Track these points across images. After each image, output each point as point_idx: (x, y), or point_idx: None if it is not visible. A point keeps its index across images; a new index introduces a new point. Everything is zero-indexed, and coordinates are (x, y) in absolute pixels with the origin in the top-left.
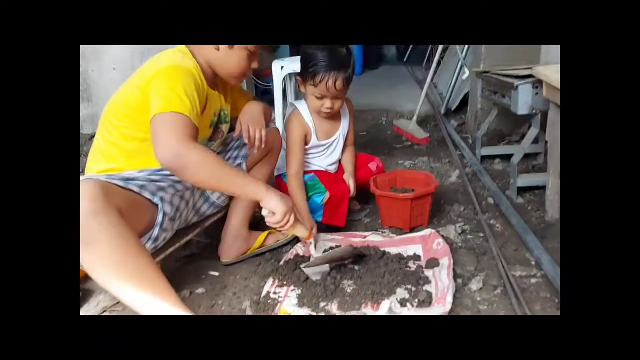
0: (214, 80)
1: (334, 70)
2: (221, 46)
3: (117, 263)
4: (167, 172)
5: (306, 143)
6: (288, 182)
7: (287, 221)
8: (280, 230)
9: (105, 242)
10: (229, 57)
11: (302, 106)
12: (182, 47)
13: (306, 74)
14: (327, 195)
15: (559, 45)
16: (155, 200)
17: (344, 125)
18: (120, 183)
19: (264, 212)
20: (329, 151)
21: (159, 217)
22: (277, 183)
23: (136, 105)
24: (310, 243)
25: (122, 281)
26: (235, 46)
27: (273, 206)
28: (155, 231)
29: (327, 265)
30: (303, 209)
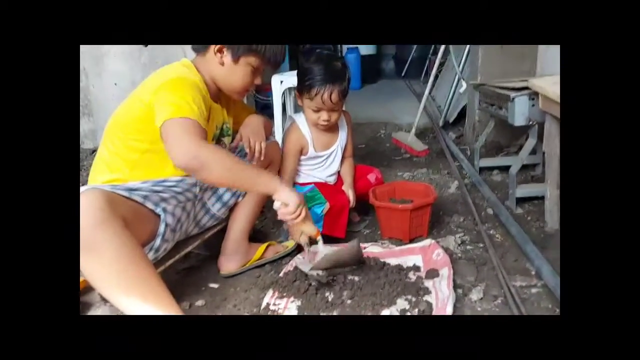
0: (217, 94)
1: (329, 84)
2: (225, 62)
3: (120, 272)
4: (170, 184)
5: (304, 154)
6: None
7: (299, 214)
8: (292, 224)
9: (109, 251)
10: (232, 73)
11: (300, 118)
12: (186, 61)
13: (303, 88)
14: (327, 206)
15: (554, 58)
16: (158, 210)
17: (342, 137)
18: (125, 193)
19: (276, 205)
20: (327, 163)
21: (161, 228)
22: None
23: (142, 117)
24: (319, 240)
25: (124, 291)
26: (240, 62)
27: (286, 198)
28: (157, 241)
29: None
30: None
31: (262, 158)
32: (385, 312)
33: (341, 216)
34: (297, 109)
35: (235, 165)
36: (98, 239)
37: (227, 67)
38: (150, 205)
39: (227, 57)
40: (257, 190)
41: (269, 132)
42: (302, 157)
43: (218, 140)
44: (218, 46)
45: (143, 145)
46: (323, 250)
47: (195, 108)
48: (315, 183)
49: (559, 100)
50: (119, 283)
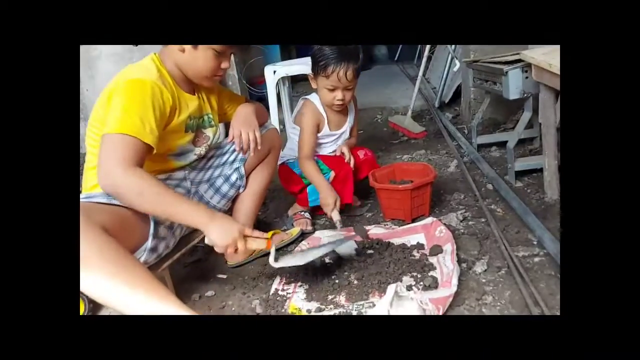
0: (191, 85)
1: (344, 62)
2: (186, 48)
3: (108, 276)
4: None
5: (319, 131)
6: (301, 166)
7: (230, 252)
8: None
9: (95, 257)
10: (194, 58)
11: (314, 98)
12: (154, 55)
13: (318, 68)
14: (332, 174)
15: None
16: None
17: (350, 119)
18: (104, 200)
19: (206, 240)
20: (336, 142)
21: (151, 228)
22: (283, 170)
23: (103, 117)
24: (272, 249)
25: (120, 290)
26: (199, 46)
27: (213, 239)
28: (150, 242)
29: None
30: (324, 187)
31: (258, 147)
32: (391, 285)
33: (347, 183)
34: (292, 99)
35: (159, 200)
36: (81, 249)
37: (188, 54)
38: None
39: None
40: (185, 224)
41: (264, 119)
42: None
43: (200, 132)
44: None
45: None
46: (272, 263)
47: (137, 121)
48: (318, 155)
49: (551, 70)
50: (114, 285)
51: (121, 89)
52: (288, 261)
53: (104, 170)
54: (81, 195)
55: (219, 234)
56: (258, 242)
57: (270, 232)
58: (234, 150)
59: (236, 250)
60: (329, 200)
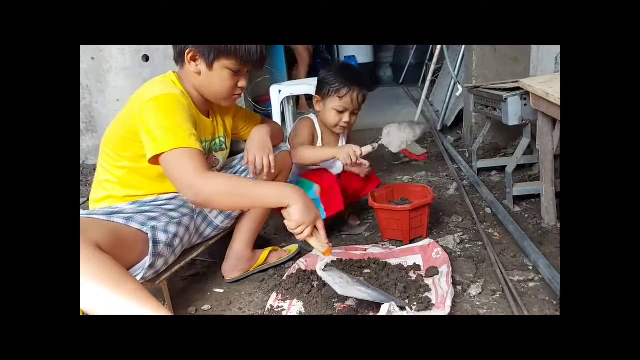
0: (206, 107)
1: (358, 85)
2: (202, 70)
3: (101, 290)
4: (161, 202)
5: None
6: (296, 154)
7: (301, 232)
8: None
9: (85, 273)
10: (211, 80)
11: (313, 117)
12: (172, 74)
13: (330, 89)
14: (317, 187)
15: (547, 60)
16: (145, 229)
17: (343, 142)
18: (103, 217)
19: (284, 213)
20: (325, 165)
21: (150, 246)
22: None
23: (125, 134)
24: (322, 260)
25: (109, 305)
26: (214, 67)
27: (295, 213)
28: (148, 259)
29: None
30: (333, 149)
31: (272, 171)
32: (385, 306)
33: (334, 192)
34: (297, 118)
35: (239, 189)
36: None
37: (204, 75)
38: (135, 225)
39: (201, 65)
40: (269, 206)
41: (279, 140)
42: None
43: (209, 155)
44: (191, 54)
45: (125, 162)
46: (320, 272)
47: (182, 132)
48: (300, 174)
49: (547, 98)
50: (102, 304)
51: (155, 103)
52: (332, 278)
53: (187, 187)
54: (82, 212)
55: (303, 211)
56: (321, 243)
57: (269, 249)
58: (244, 171)
59: (300, 233)
60: (345, 151)
